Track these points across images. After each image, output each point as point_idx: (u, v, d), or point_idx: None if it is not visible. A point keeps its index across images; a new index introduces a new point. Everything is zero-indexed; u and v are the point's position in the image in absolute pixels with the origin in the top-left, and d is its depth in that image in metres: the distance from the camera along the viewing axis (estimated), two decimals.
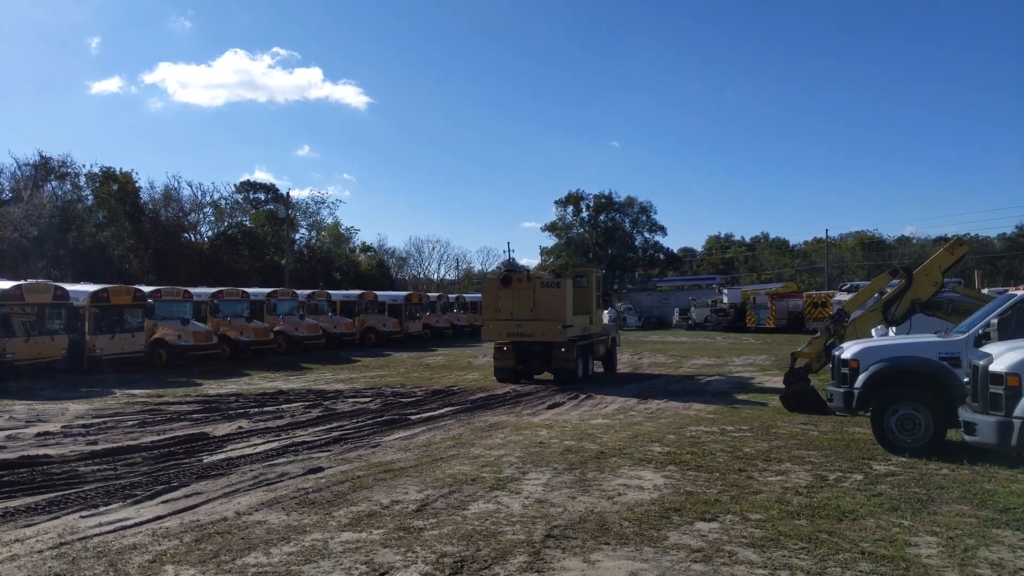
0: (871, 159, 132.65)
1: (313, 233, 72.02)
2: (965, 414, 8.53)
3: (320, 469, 9.14)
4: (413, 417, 13.79)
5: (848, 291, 36.39)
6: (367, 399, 16.63)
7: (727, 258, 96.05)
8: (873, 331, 14.48)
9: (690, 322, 56.66)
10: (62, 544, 6.19)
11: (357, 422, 13.20)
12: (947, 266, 13.96)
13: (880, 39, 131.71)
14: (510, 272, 21.18)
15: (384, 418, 13.59)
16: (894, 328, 14.17)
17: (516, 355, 19.94)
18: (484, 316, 20.67)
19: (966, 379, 8.97)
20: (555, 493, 7.84)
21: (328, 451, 10.46)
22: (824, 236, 76.46)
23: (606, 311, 26.63)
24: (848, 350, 10.74)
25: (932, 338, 10.54)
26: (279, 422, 13.24)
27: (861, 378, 10.14)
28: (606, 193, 76.96)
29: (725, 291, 58.41)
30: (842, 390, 10.44)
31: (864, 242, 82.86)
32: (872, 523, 6.65)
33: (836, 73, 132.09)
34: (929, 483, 8.12)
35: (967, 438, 8.48)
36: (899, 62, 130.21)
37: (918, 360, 10.06)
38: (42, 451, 10.45)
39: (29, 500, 7.73)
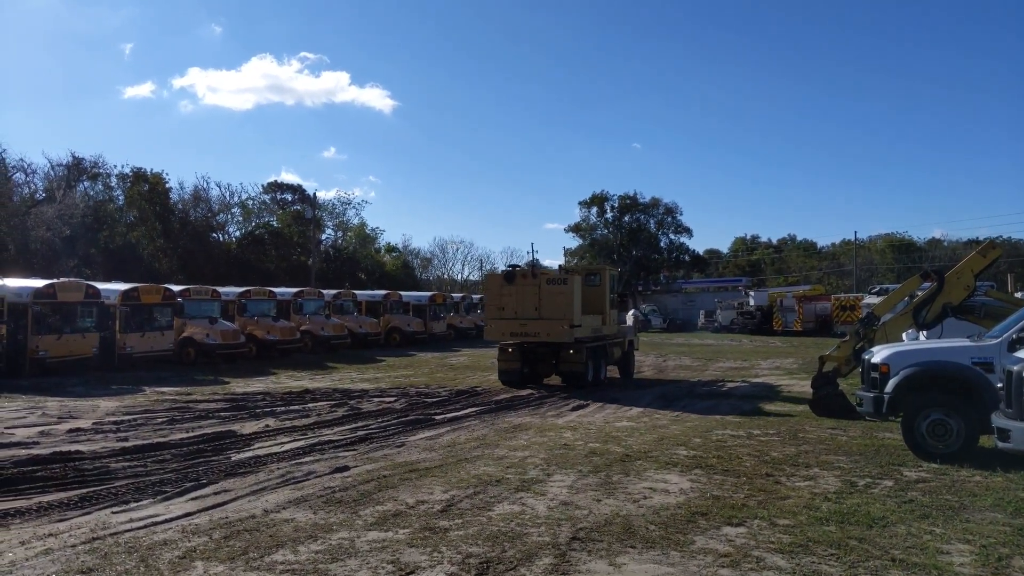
0: (901, 160, 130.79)
1: (339, 234, 72.55)
2: (998, 420, 8.37)
3: (346, 468, 9.20)
4: (437, 417, 13.84)
5: (877, 294, 36.05)
6: (392, 399, 16.70)
7: (753, 260, 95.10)
8: (904, 335, 14.26)
9: (716, 324, 56.25)
10: (94, 539, 6.29)
11: (382, 422, 13.27)
12: (979, 269, 13.73)
13: (910, 41, 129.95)
14: (514, 268, 19.93)
15: (409, 418, 13.65)
16: (925, 332, 13.96)
17: (522, 357, 18.98)
18: (487, 315, 19.62)
19: (1000, 384, 8.80)
20: (580, 495, 7.82)
21: (354, 450, 10.53)
22: (853, 238, 75.49)
23: (630, 313, 26.23)
24: (878, 354, 10.59)
25: (964, 342, 10.34)
26: (305, 421, 13.35)
27: (891, 383, 9.99)
28: (631, 194, 76.59)
29: (751, 293, 57.96)
30: (872, 395, 10.28)
31: (894, 244, 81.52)
32: (903, 530, 6.55)
33: (865, 74, 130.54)
34: (961, 490, 7.99)
35: (1000, 445, 8.32)
36: (929, 63, 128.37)
37: (950, 365, 9.88)
38: (74, 447, 10.63)
39: (62, 495, 7.87)
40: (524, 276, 18.81)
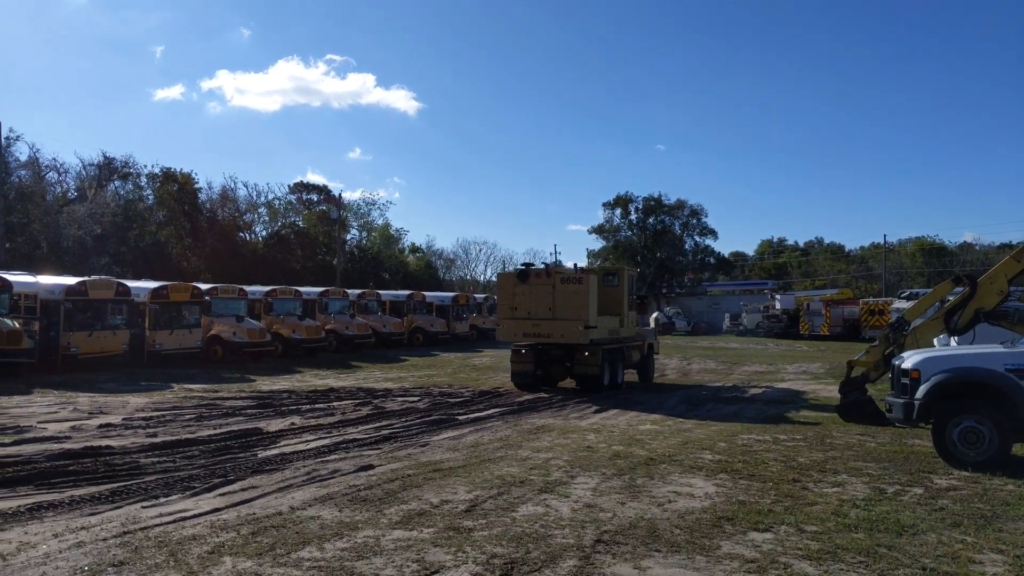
0: (932, 163, 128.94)
1: (364, 234, 73.06)
2: None
3: (371, 467, 9.25)
4: (461, 417, 13.87)
5: (907, 298, 35.54)
6: (415, 398, 16.77)
7: (780, 263, 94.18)
8: (935, 340, 14.05)
9: (741, 328, 55.84)
10: (125, 533, 6.38)
11: (406, 421, 13.33)
12: (1013, 274, 13.47)
13: (943, 41, 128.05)
14: (528, 266, 19.26)
15: (432, 418, 13.70)
16: (956, 338, 13.74)
17: (535, 359, 18.45)
18: (499, 315, 19.09)
19: None
20: (604, 498, 7.80)
21: (378, 449, 10.59)
22: (882, 241, 74.64)
23: (653, 315, 25.98)
24: (909, 359, 10.42)
25: (997, 348, 10.17)
26: (330, 419, 13.45)
27: (922, 389, 9.83)
28: (655, 196, 76.14)
29: (778, 297, 57.42)
30: (902, 401, 10.12)
31: (924, 248, 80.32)
32: (934, 538, 6.45)
33: (896, 76, 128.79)
34: (993, 499, 7.85)
35: None
36: (961, 63, 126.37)
37: (982, 371, 9.70)
38: (105, 442, 10.79)
39: (93, 489, 7.99)
40: (538, 275, 18.18)
